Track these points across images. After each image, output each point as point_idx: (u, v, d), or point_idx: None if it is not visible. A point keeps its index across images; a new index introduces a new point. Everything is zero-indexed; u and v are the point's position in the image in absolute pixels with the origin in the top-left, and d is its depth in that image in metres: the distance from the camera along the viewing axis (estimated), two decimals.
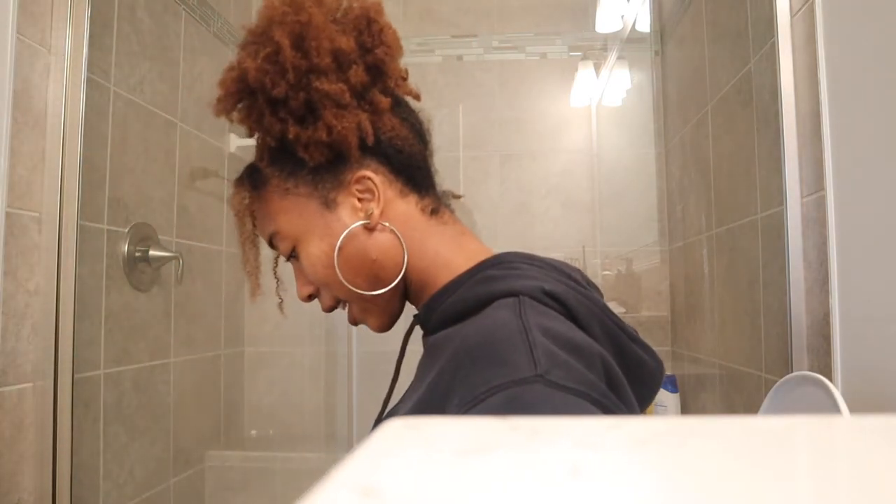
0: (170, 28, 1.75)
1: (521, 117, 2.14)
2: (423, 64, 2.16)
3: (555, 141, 2.13)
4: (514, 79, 2.16)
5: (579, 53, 2.15)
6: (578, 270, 0.66)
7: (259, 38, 0.63)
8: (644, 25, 2.05)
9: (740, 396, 1.45)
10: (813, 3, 1.06)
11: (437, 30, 2.17)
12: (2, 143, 1.10)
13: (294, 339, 2.16)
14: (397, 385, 0.71)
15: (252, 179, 0.68)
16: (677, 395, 1.84)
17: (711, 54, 1.63)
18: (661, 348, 1.93)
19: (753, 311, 1.35)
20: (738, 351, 1.46)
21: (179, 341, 1.76)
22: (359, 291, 0.64)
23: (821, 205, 1.05)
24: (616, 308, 1.98)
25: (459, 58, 2.17)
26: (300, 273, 0.68)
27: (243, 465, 1.92)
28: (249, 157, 2.38)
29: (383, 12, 0.66)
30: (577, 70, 2.13)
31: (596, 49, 2.15)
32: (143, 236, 1.59)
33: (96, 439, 1.41)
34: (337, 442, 1.98)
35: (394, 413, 0.63)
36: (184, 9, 1.82)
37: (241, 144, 2.06)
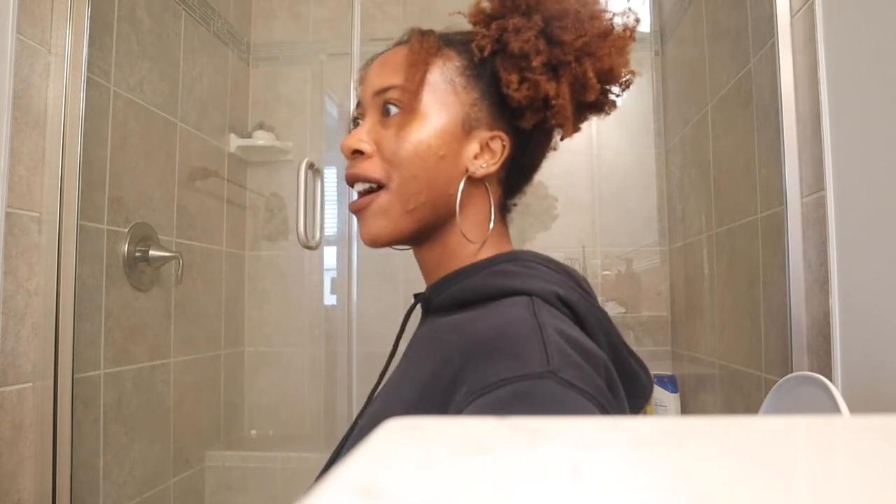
0: (170, 28, 1.75)
1: None
2: None
3: (554, 141, 2.13)
4: None
5: None
6: (585, 279, 0.66)
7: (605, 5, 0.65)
8: (644, 25, 2.05)
9: (740, 396, 1.45)
10: (813, 3, 1.06)
11: (437, 29, 2.17)
12: (2, 143, 1.10)
13: (294, 339, 2.16)
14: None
15: (440, 43, 0.66)
16: (677, 395, 1.84)
17: (711, 54, 1.63)
18: (661, 348, 1.93)
19: (753, 311, 1.35)
20: (738, 351, 1.46)
21: (179, 341, 1.76)
22: (411, 193, 0.62)
23: (821, 205, 1.05)
24: (616, 308, 1.98)
25: None
26: (375, 130, 0.64)
27: (243, 465, 1.92)
28: (249, 157, 2.38)
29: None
30: None
31: None
32: (143, 236, 1.59)
33: (96, 439, 1.41)
34: (337, 442, 1.98)
35: (390, 388, 0.62)
36: (184, 9, 1.82)
37: (241, 144, 2.06)
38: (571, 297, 0.57)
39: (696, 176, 1.75)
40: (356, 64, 1.59)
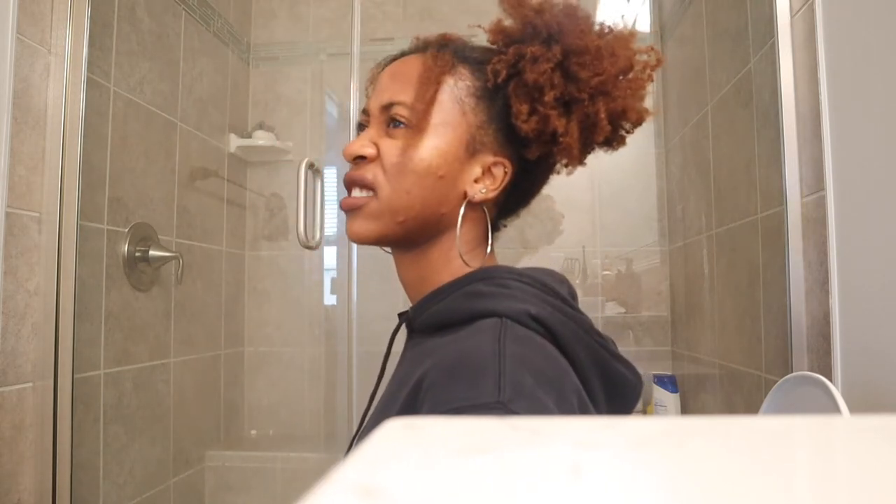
0: (170, 28, 1.75)
1: None
2: None
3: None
4: None
5: None
6: (566, 281, 0.66)
7: (628, 43, 0.64)
8: (644, 25, 2.05)
9: (740, 396, 1.45)
10: (813, 3, 1.06)
11: (437, 30, 2.16)
12: (2, 143, 1.10)
13: (294, 339, 2.16)
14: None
15: (455, 60, 0.65)
16: (677, 395, 1.84)
17: (711, 54, 1.63)
18: (661, 348, 1.93)
19: (753, 311, 1.35)
20: (738, 351, 1.46)
21: (179, 341, 1.76)
22: (402, 206, 0.62)
23: (821, 205, 1.05)
24: (616, 308, 1.98)
25: None
26: (380, 135, 0.64)
27: (243, 465, 1.92)
28: (249, 157, 2.38)
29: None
30: None
31: None
32: (143, 236, 1.59)
33: (96, 439, 1.41)
34: (337, 442, 1.98)
35: (378, 413, 0.63)
36: (184, 9, 1.82)
37: (241, 144, 2.06)
38: (543, 314, 0.57)
39: (696, 176, 1.75)
40: (356, 64, 1.59)
